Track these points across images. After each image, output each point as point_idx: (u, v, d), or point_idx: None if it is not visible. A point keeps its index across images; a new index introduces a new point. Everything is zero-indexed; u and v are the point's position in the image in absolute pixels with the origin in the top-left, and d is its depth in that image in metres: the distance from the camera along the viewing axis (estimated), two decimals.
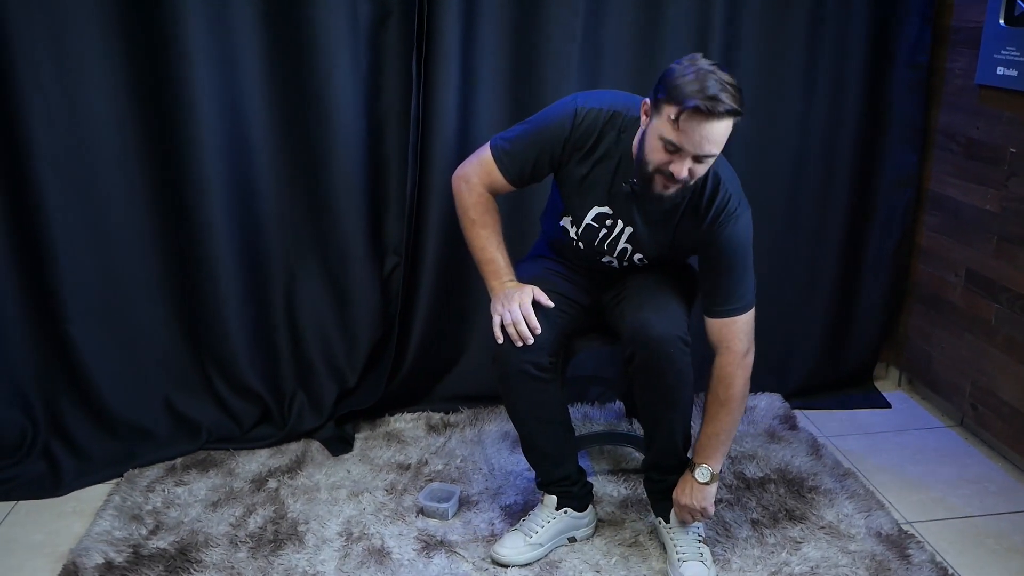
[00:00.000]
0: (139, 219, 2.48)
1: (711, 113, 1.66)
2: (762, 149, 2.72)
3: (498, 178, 1.99)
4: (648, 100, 1.79)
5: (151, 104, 2.39)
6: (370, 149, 2.56)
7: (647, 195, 1.85)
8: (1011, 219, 2.46)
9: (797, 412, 2.81)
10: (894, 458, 2.59)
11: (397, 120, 2.55)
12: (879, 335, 2.98)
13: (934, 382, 2.84)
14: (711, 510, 2.03)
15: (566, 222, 2.06)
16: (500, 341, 1.95)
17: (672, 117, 1.69)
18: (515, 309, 1.92)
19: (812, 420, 2.80)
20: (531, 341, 1.92)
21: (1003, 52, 2.43)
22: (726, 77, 1.69)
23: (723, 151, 1.80)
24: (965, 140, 2.64)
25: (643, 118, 1.82)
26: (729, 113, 1.68)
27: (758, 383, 2.91)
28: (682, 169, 1.73)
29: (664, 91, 1.71)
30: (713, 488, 2.01)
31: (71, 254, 2.43)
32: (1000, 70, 2.45)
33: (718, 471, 2.01)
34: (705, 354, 2.05)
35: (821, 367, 2.96)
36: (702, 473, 1.99)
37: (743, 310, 1.95)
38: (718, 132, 1.69)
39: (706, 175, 1.86)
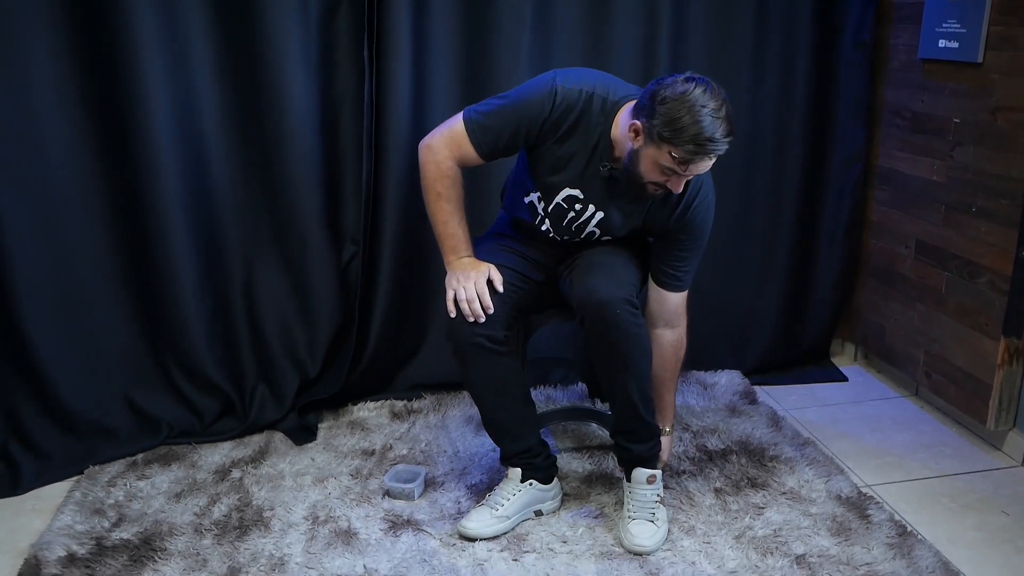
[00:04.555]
0: (94, 215, 2.45)
1: (712, 152, 1.78)
2: None
3: (469, 151, 1.96)
4: (639, 123, 1.80)
5: (103, 100, 2.37)
6: (324, 138, 2.56)
7: (635, 194, 1.95)
8: (957, 188, 2.52)
9: (756, 388, 2.85)
10: (852, 427, 2.63)
11: (351, 108, 2.55)
12: (834, 311, 3.04)
13: (889, 354, 2.90)
14: None
15: (534, 198, 2.07)
16: (453, 315, 1.97)
17: (674, 155, 1.78)
18: (470, 287, 1.95)
19: (771, 395, 2.84)
20: (483, 320, 1.94)
21: (944, 25, 2.49)
22: (718, 104, 1.74)
23: None
24: (910, 114, 2.70)
25: (631, 136, 1.83)
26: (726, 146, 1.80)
27: (718, 361, 2.96)
28: (679, 186, 1.87)
29: (660, 125, 1.75)
30: None
31: (25, 253, 2.39)
32: (942, 43, 2.51)
33: None
34: None
35: (779, 345, 3.01)
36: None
37: (691, 284, 2.11)
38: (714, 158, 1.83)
39: None
